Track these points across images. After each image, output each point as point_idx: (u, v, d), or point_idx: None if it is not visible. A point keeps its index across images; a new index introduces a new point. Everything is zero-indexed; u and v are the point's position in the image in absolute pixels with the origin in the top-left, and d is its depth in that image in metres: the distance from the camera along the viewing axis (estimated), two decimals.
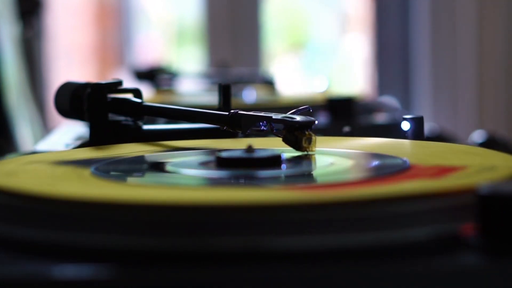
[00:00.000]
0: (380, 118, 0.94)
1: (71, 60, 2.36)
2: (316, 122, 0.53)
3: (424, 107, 2.09)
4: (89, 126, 0.61)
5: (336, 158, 0.51)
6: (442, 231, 0.35)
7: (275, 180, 0.46)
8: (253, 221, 0.35)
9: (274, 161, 0.48)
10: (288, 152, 0.52)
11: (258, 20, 2.12)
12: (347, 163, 0.49)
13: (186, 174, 0.48)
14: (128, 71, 1.50)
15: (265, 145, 0.54)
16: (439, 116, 2.05)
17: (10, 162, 0.52)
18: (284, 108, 0.62)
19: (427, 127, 0.80)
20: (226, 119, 0.57)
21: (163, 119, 0.75)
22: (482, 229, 0.35)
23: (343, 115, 0.87)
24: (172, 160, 0.52)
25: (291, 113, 0.54)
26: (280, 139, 0.53)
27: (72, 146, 0.67)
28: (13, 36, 1.40)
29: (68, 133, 0.83)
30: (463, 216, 0.37)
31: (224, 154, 0.48)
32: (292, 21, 2.43)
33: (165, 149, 0.57)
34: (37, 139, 1.34)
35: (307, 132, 0.52)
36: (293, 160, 0.51)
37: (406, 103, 2.11)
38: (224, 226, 0.35)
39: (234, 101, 0.63)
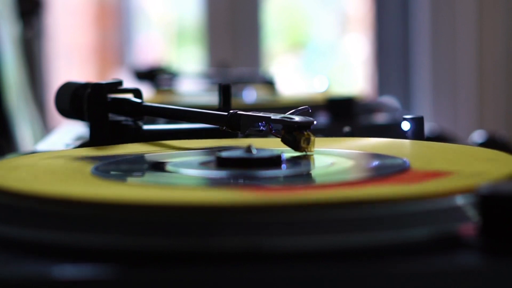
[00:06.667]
0: (380, 118, 0.94)
1: (71, 60, 2.36)
2: (315, 122, 0.53)
3: (424, 107, 2.09)
4: (89, 126, 0.61)
5: (336, 159, 0.51)
6: (442, 231, 0.35)
7: (274, 180, 0.46)
8: (253, 221, 0.35)
9: (274, 161, 0.47)
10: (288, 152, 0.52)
11: (258, 20, 2.12)
12: (347, 163, 0.49)
13: (186, 174, 0.48)
14: (128, 71, 1.50)
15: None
16: (439, 116, 2.05)
17: (10, 161, 0.52)
18: (284, 108, 0.62)
19: (427, 127, 0.79)
20: (225, 119, 0.57)
21: (163, 119, 0.75)
22: (482, 229, 0.35)
23: (343, 115, 0.87)
24: (173, 160, 0.52)
25: (290, 114, 0.54)
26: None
27: (72, 146, 0.67)
28: (13, 36, 1.39)
29: (68, 133, 0.83)
30: (463, 216, 0.37)
31: (224, 154, 0.48)
32: (292, 21, 2.42)
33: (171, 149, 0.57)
34: (37, 139, 1.34)
35: (305, 133, 0.52)
36: (293, 160, 0.51)
37: (406, 103, 2.11)
38: (224, 226, 0.35)
39: (234, 101, 0.63)
